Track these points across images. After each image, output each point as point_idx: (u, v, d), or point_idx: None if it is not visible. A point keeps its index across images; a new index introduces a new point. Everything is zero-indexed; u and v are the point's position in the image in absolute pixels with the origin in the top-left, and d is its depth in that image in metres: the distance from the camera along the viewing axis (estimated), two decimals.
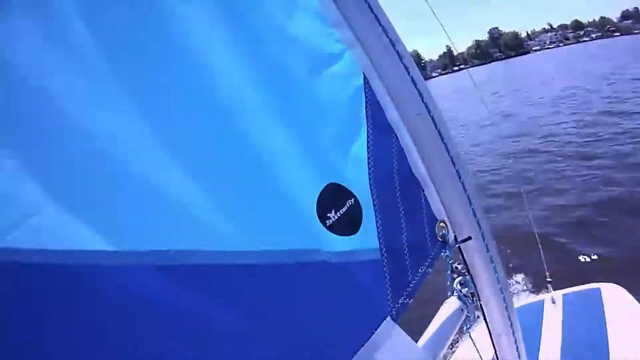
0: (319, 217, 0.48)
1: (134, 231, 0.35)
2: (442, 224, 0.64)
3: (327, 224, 0.49)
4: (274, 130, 0.46)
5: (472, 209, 0.67)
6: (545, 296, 2.33)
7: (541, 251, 2.35)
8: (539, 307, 2.26)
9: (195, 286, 0.37)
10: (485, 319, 0.68)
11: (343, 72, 0.56)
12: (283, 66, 0.49)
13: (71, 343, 0.30)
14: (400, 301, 0.54)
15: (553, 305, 2.24)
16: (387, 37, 0.60)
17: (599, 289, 2.30)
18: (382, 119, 0.61)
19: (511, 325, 0.69)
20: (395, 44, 0.60)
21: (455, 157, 0.66)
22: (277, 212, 0.45)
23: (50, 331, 0.30)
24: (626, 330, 1.91)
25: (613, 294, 2.23)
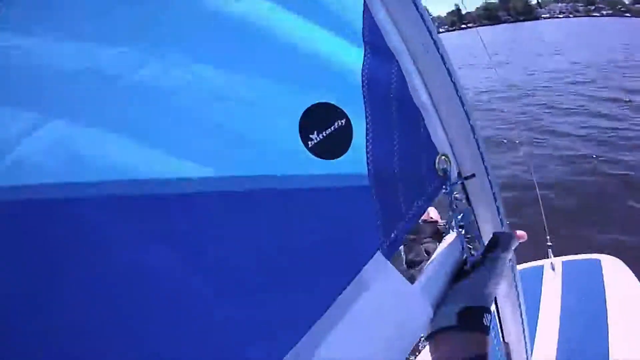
0: (301, 137, 0.44)
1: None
2: (443, 157, 0.59)
3: (310, 145, 0.44)
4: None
5: (477, 142, 0.61)
6: (544, 262, 2.31)
7: (543, 213, 2.31)
8: (538, 272, 2.24)
9: (168, 216, 0.34)
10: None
11: None
12: None
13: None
14: (392, 235, 0.50)
15: (552, 272, 2.22)
16: None
17: (599, 261, 2.27)
18: (383, 44, 0.54)
19: (512, 268, 0.65)
20: None
21: (459, 85, 0.60)
22: (253, 132, 0.41)
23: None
24: (625, 304, 1.91)
25: (613, 267, 2.21)
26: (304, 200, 0.43)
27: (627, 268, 2.15)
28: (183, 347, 0.35)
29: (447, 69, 0.58)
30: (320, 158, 0.45)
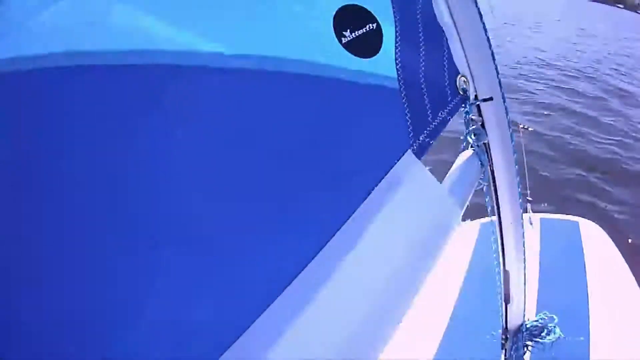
0: (335, 33, 0.45)
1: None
2: (463, 78, 0.61)
3: (343, 41, 0.46)
4: None
5: (496, 68, 0.63)
6: (523, 215, 2.40)
7: (525, 167, 2.32)
8: None
9: (187, 90, 0.33)
10: (494, 179, 0.68)
11: None
12: None
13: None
14: (421, 138, 0.53)
15: (530, 226, 2.23)
16: None
17: (577, 223, 2.31)
18: None
19: (517, 184, 0.69)
20: None
21: (481, 13, 0.61)
22: (288, 14, 0.41)
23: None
24: (604, 268, 1.96)
25: (591, 231, 2.25)
26: (336, 92, 0.45)
27: (606, 234, 2.19)
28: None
29: None
30: (353, 54, 0.46)
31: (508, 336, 1.12)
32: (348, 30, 0.46)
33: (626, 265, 1.95)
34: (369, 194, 0.46)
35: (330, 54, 0.44)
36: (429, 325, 1.76)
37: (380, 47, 0.49)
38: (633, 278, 1.89)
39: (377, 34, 0.49)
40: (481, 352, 1.43)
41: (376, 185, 0.47)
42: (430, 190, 0.52)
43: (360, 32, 0.47)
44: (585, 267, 1.93)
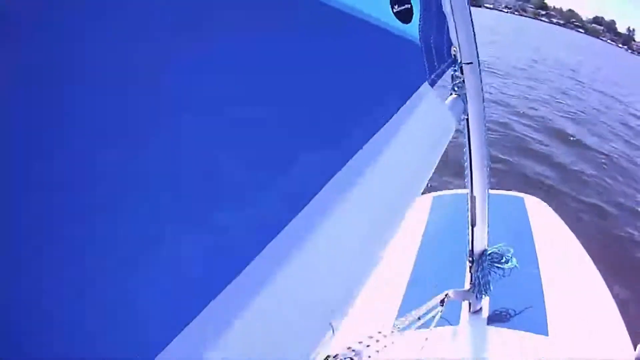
0: (390, 4, 0.80)
1: None
2: (454, 48, 0.97)
3: (395, 9, 0.80)
4: None
5: (475, 44, 1.00)
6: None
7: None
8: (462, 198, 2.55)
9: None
10: (467, 121, 1.05)
11: None
12: None
13: None
14: (432, 76, 0.88)
15: None
16: None
17: (522, 199, 2.49)
18: None
19: (484, 126, 1.07)
20: None
21: (469, 7, 0.98)
22: None
23: None
24: (551, 241, 2.11)
25: (536, 206, 2.44)
26: (385, 39, 0.79)
27: (550, 208, 2.41)
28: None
29: None
30: (398, 19, 0.81)
31: (474, 259, 1.49)
32: (397, 4, 0.81)
33: (572, 234, 2.21)
34: (405, 102, 0.80)
35: (386, 16, 0.79)
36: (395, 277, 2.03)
37: (412, 18, 0.84)
38: (579, 244, 2.13)
39: (411, 10, 0.84)
40: (450, 280, 1.79)
41: (409, 97, 0.81)
42: (438, 104, 0.88)
43: (403, 7, 0.82)
44: (532, 235, 2.16)
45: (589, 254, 2.06)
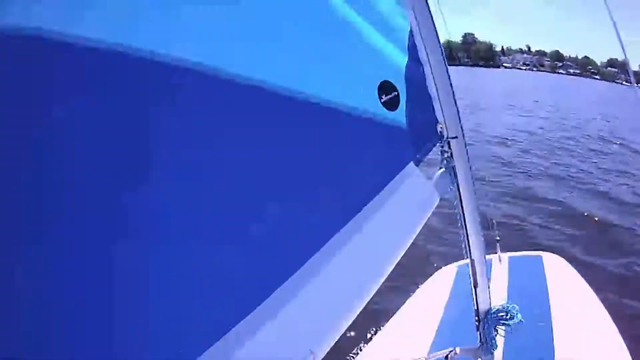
0: (378, 95, 0.89)
1: None
2: (440, 125, 1.06)
3: (382, 100, 0.89)
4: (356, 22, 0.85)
5: (460, 121, 1.08)
6: (493, 256, 2.52)
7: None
8: (487, 264, 2.57)
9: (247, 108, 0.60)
10: (459, 190, 1.11)
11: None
12: None
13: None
14: (417, 156, 0.95)
15: (499, 264, 2.49)
16: None
17: (540, 257, 2.58)
18: (416, 55, 1.01)
19: (474, 193, 1.12)
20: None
21: (452, 86, 1.08)
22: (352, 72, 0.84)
23: None
24: (567, 296, 2.14)
25: (554, 263, 2.52)
26: (373, 126, 0.87)
27: (568, 264, 2.46)
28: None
29: (448, 75, 1.05)
30: (385, 108, 0.90)
31: (479, 317, 1.48)
32: (384, 95, 0.90)
33: (589, 288, 2.19)
34: (388, 183, 0.87)
35: (374, 106, 0.88)
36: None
37: (398, 105, 0.93)
38: (597, 298, 2.11)
39: (397, 97, 0.93)
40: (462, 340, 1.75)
41: (393, 178, 0.88)
42: (422, 181, 0.94)
43: (390, 96, 0.91)
44: (548, 292, 2.17)
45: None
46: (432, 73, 1.04)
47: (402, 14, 0.98)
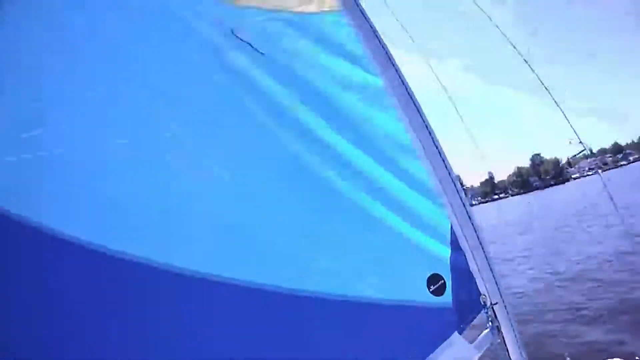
0: (427, 286, 1.26)
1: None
2: (483, 296, 1.37)
3: (431, 290, 1.26)
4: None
5: (499, 290, 1.38)
6: None
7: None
8: None
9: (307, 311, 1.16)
10: (505, 346, 1.38)
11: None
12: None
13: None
14: (462, 326, 1.28)
15: None
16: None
17: None
18: (458, 245, 1.37)
19: (520, 353, 1.37)
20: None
21: (491, 262, 1.40)
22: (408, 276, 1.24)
23: None
24: None
25: None
26: (426, 310, 1.24)
27: None
28: None
29: (486, 256, 1.38)
30: (434, 295, 1.26)
31: None
32: (432, 285, 1.27)
33: None
34: (433, 350, 1.20)
35: (424, 296, 1.25)
36: None
37: (445, 290, 1.29)
38: None
39: (444, 285, 1.29)
40: None
41: (440, 344, 1.22)
42: (463, 346, 1.26)
43: (437, 285, 1.28)
44: None
45: None
46: (473, 257, 1.38)
47: (443, 214, 1.36)
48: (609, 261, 9.49)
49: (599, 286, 7.93)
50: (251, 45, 1.15)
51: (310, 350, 1.06)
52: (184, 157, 1.00)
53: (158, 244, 0.90)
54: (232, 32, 1.14)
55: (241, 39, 1.15)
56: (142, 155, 0.94)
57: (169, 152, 0.98)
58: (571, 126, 1.75)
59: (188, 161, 1.00)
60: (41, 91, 0.85)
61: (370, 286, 1.15)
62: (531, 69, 1.84)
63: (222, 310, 0.97)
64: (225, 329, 0.95)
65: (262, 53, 1.16)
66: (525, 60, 1.82)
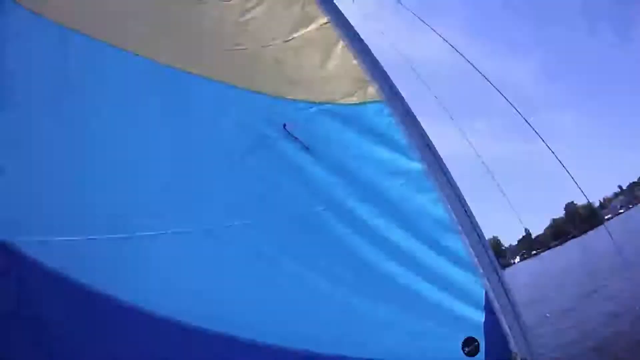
0: (462, 348, 1.44)
1: None
2: (514, 353, 1.53)
3: (465, 351, 1.44)
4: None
5: (528, 344, 1.53)
6: None
7: None
8: None
9: None
10: None
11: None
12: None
13: None
14: None
15: None
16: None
17: None
18: (491, 307, 1.53)
19: None
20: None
21: (521, 322, 1.54)
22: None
23: None
24: None
25: None
26: None
27: None
28: None
29: (518, 318, 1.53)
30: (469, 357, 1.44)
31: None
32: (466, 347, 1.45)
33: None
34: None
35: (459, 357, 1.43)
36: None
37: (478, 351, 1.46)
38: None
39: (477, 347, 1.47)
40: None
41: None
42: None
43: (471, 347, 1.46)
44: None
45: None
46: (504, 318, 1.53)
47: (478, 282, 1.52)
48: None
49: None
50: (298, 140, 1.35)
51: None
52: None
53: None
54: (284, 127, 1.34)
55: (290, 134, 1.35)
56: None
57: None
58: None
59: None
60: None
61: (414, 353, 1.35)
62: None
63: None
64: None
65: (307, 147, 1.36)
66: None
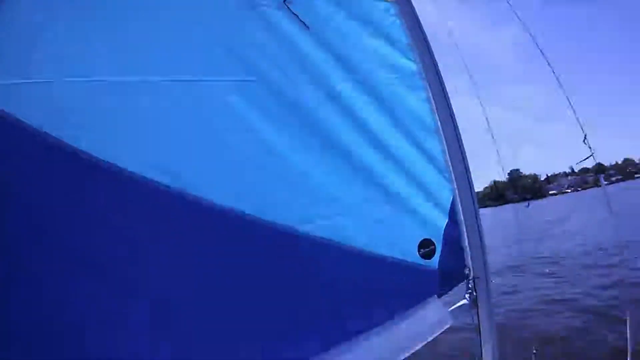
0: (417, 249, 1.46)
1: None
2: (467, 268, 1.55)
3: (421, 253, 1.46)
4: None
5: (485, 266, 1.56)
6: None
7: None
8: None
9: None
10: (478, 317, 1.56)
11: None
12: None
13: None
14: (442, 290, 1.48)
15: None
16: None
17: None
18: (455, 217, 1.56)
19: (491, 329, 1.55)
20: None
21: (483, 239, 1.57)
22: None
23: None
24: None
25: None
26: (412, 268, 1.44)
27: None
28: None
29: (480, 234, 1.56)
30: (423, 258, 1.46)
31: None
32: (422, 249, 1.48)
33: None
34: (410, 308, 1.42)
35: (413, 257, 1.45)
36: None
37: (433, 256, 1.49)
38: None
39: (433, 250, 1.49)
40: None
41: (416, 305, 1.43)
42: (437, 307, 1.45)
43: (427, 249, 1.48)
44: None
45: None
46: (466, 231, 1.55)
47: (448, 187, 1.54)
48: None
49: None
50: (298, 17, 1.36)
51: (300, 286, 1.31)
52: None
53: None
54: (284, 2, 1.34)
55: (291, 10, 1.35)
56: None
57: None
58: (585, 138, 1.85)
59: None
60: None
61: (367, 238, 1.38)
62: None
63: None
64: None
65: (307, 27, 1.36)
66: None
